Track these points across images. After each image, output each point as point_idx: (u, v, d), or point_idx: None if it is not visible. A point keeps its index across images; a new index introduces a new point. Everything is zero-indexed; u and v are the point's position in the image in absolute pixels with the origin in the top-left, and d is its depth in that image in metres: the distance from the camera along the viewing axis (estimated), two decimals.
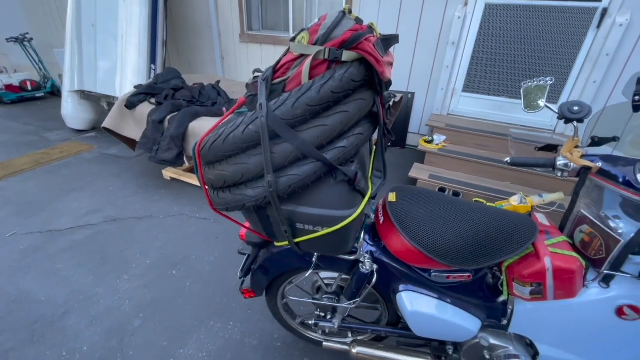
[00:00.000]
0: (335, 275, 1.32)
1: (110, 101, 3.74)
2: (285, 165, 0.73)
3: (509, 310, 1.09)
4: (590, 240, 1.00)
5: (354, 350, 1.27)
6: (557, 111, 1.04)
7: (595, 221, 0.99)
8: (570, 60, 2.78)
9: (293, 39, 0.80)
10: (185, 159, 2.95)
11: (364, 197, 0.84)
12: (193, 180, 2.85)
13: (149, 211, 2.53)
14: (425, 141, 3.02)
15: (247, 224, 0.99)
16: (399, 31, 3.26)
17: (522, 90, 1.13)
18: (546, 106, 1.09)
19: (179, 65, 4.74)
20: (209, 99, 2.96)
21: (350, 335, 1.46)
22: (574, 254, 0.96)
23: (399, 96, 2.83)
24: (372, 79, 0.75)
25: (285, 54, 0.81)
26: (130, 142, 2.99)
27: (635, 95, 0.94)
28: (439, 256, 0.94)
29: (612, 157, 0.98)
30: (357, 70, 0.71)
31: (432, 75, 3.33)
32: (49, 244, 2.16)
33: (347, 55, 0.70)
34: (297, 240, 0.89)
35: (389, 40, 0.76)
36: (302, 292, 1.43)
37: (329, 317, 1.33)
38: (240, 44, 4.25)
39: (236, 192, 0.79)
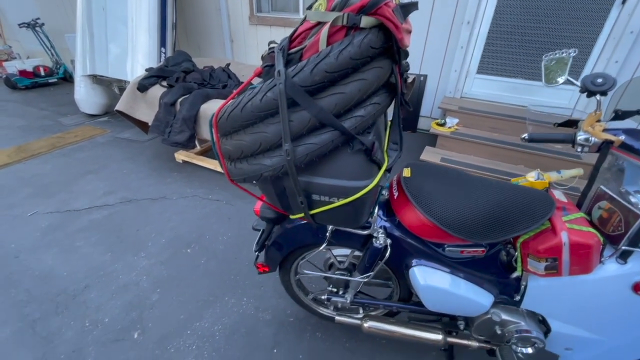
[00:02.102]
0: (348, 252, 1.34)
1: (122, 85, 3.76)
2: (302, 134, 0.73)
3: (522, 286, 1.09)
4: (609, 216, 0.99)
5: (365, 325, 1.29)
6: (579, 84, 1.01)
7: (615, 197, 0.97)
8: (592, 38, 2.67)
9: (310, 7, 0.79)
10: (197, 141, 2.98)
11: (380, 168, 0.84)
12: (205, 163, 2.88)
13: (163, 193, 2.58)
14: (438, 124, 2.97)
15: (263, 197, 1.00)
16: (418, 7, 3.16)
17: (542, 64, 1.10)
18: (568, 79, 1.05)
19: (188, 49, 4.71)
20: (220, 82, 2.96)
21: (361, 311, 1.49)
22: (592, 230, 0.95)
23: (411, 77, 2.78)
24: (391, 47, 0.74)
25: (301, 24, 0.80)
26: (143, 125, 3.03)
27: None
28: (454, 230, 0.94)
29: (636, 131, 0.95)
30: (376, 37, 0.70)
31: (446, 56, 3.25)
32: (68, 223, 2.23)
33: (365, 20, 0.69)
34: (312, 212, 0.90)
35: (408, 7, 0.74)
36: (315, 268, 1.45)
37: (341, 292, 1.35)
38: (249, 27, 4.20)
39: (253, 162, 0.79)
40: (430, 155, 2.81)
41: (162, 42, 3.67)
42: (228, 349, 1.47)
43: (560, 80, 1.07)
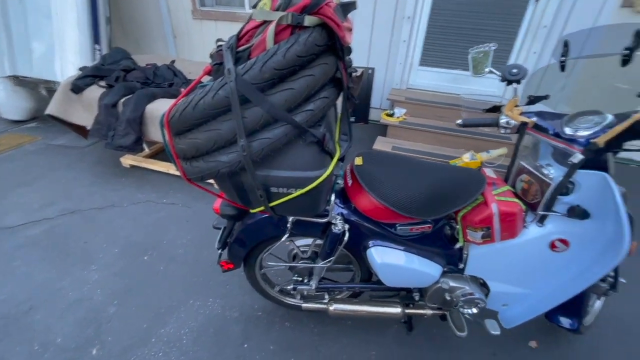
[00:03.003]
0: (310, 241, 1.39)
1: (50, 87, 3.41)
2: (256, 129, 0.76)
3: (465, 255, 1.24)
4: (529, 187, 1.16)
5: (331, 308, 1.37)
6: (499, 74, 1.16)
7: (532, 170, 1.13)
8: (514, 32, 2.99)
9: (255, 6, 0.81)
10: (145, 144, 2.82)
11: (332, 158, 0.89)
12: (156, 165, 2.74)
13: (110, 201, 2.42)
14: (387, 115, 3.14)
15: (222, 194, 1.01)
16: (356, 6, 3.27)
17: (469, 57, 1.24)
18: (491, 70, 1.20)
19: (126, 46, 4.37)
20: (165, 80, 2.82)
21: (327, 297, 1.56)
22: (516, 200, 1.11)
23: (360, 71, 2.89)
24: (334, 44, 0.79)
25: (247, 22, 0.82)
26: (81, 130, 2.79)
27: (561, 56, 1.07)
28: (403, 210, 1.03)
29: (544, 113, 1.12)
30: (320, 35, 0.74)
31: (391, 50, 3.41)
32: (0, 242, 2.00)
33: (309, 20, 0.73)
34: (272, 204, 0.93)
35: (347, 6, 0.80)
36: (280, 260, 1.49)
37: (306, 280, 1.41)
38: (193, 22, 4.02)
39: (209, 159, 0.81)
40: (382, 144, 2.96)
41: (96, 39, 3.38)
42: (197, 351, 1.46)
43: (485, 71, 1.21)
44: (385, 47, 3.41)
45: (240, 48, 0.80)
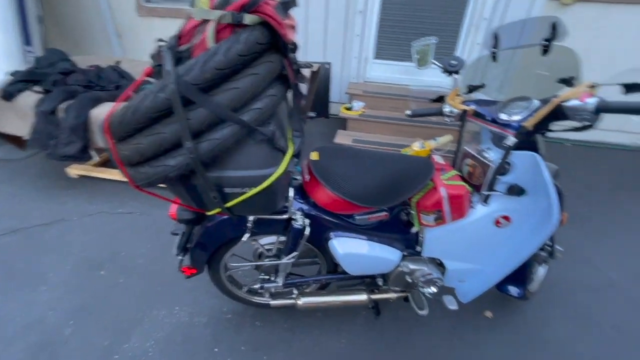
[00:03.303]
0: (274, 239, 1.40)
1: None
2: (202, 131, 0.75)
3: (421, 239, 1.31)
4: (473, 170, 1.25)
5: (299, 302, 1.39)
6: (440, 66, 1.23)
7: (475, 154, 1.22)
8: (458, 24, 3.16)
9: (192, 4, 0.79)
10: (93, 152, 2.64)
11: (285, 155, 0.90)
12: (108, 174, 2.58)
13: (59, 215, 2.24)
14: (346, 108, 3.19)
15: (177, 200, 0.99)
16: (309, 1, 3.28)
17: (412, 50, 1.30)
18: (433, 62, 1.27)
19: (64, 47, 3.99)
20: (111, 83, 2.64)
21: (295, 292, 1.58)
22: (462, 183, 1.19)
23: (315, 66, 2.91)
24: (277, 42, 0.80)
25: (186, 21, 0.80)
26: (16, 141, 2.54)
27: (492, 47, 1.16)
28: (359, 200, 1.07)
29: (483, 101, 1.21)
30: (261, 33, 0.75)
31: (345, 44, 3.46)
32: None
33: (249, 18, 0.73)
34: (228, 205, 0.92)
35: (288, 4, 0.80)
36: (245, 261, 1.48)
37: (272, 278, 1.42)
38: (139, 19, 3.80)
39: (156, 164, 0.78)
40: (342, 137, 3.02)
41: (26, 40, 3.09)
42: None
43: (428, 63, 1.28)
44: (340, 41, 3.46)
45: (181, 48, 0.78)
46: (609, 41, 3.04)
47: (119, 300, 1.67)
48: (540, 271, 1.72)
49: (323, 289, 1.57)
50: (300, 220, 1.15)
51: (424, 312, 1.35)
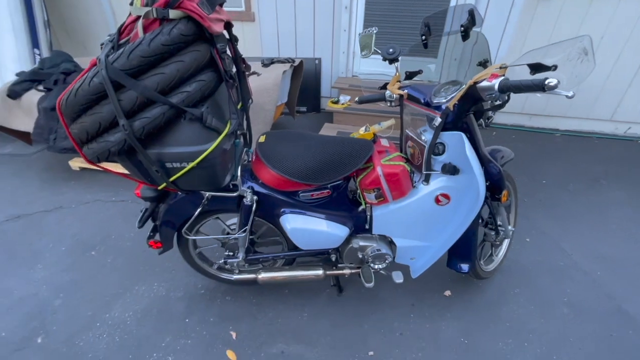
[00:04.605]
0: (237, 219, 1.52)
1: None
2: (135, 110, 0.87)
3: (368, 216, 1.40)
4: (414, 151, 1.33)
5: (259, 277, 1.50)
6: (380, 53, 1.32)
7: (414, 137, 1.31)
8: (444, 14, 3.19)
9: (131, 3, 0.92)
10: None
11: (220, 133, 1.02)
12: (105, 165, 2.76)
13: (58, 203, 2.44)
14: (332, 102, 3.29)
15: (127, 175, 1.12)
16: None
17: (358, 39, 1.39)
18: (375, 50, 1.36)
19: (72, 49, 4.30)
20: None
21: (262, 267, 1.69)
22: (401, 163, 1.28)
23: (297, 61, 3.01)
24: (204, 34, 0.91)
25: (128, 17, 0.93)
26: (26, 137, 2.77)
27: (421, 35, 1.24)
28: (297, 177, 1.18)
29: (417, 86, 1.29)
30: (185, 26, 0.86)
31: (334, 39, 3.55)
32: None
33: (173, 13, 0.85)
34: (172, 179, 1.05)
35: (213, 0, 0.92)
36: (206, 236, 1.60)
37: (235, 254, 1.54)
38: None
39: (100, 140, 0.91)
40: (328, 130, 3.12)
41: (34, 43, 3.33)
42: (140, 329, 1.56)
43: (371, 51, 1.36)
44: (329, 37, 3.55)
45: (122, 40, 0.91)
46: (593, 31, 3.01)
47: (106, 277, 1.84)
48: (500, 252, 1.78)
49: (289, 264, 1.68)
50: (249, 198, 1.26)
51: (370, 285, 1.44)
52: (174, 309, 1.66)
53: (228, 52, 1.11)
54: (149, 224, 1.41)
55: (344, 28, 3.40)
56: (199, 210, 1.28)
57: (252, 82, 2.48)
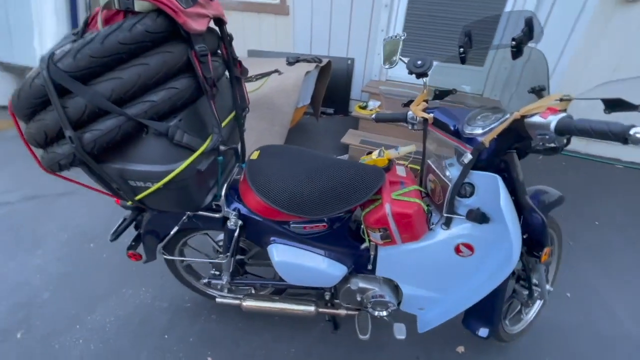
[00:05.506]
0: None
1: None
2: (84, 120, 0.72)
3: (372, 256, 1.19)
4: (435, 187, 1.09)
5: (244, 303, 1.34)
6: (405, 63, 1.09)
7: (436, 170, 1.07)
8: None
9: None
10: None
11: (194, 151, 0.85)
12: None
13: (71, 187, 2.44)
14: (360, 107, 3.05)
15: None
16: None
17: (382, 46, 1.16)
18: (401, 59, 1.12)
19: None
20: None
21: (253, 291, 1.54)
22: (417, 200, 1.04)
23: (325, 61, 2.80)
24: (179, 31, 0.74)
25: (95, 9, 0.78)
26: None
27: (459, 46, 0.99)
28: (286, 208, 0.99)
29: (446, 110, 1.04)
30: (153, 21, 0.70)
31: (370, 39, 3.30)
32: None
33: (140, 5, 0.69)
34: (138, 197, 0.91)
35: None
36: (200, 254, 1.48)
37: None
38: None
39: (50, 150, 0.78)
40: (351, 137, 2.89)
41: (75, 24, 3.39)
42: (117, 339, 1.47)
43: (394, 61, 1.13)
44: (364, 36, 3.30)
45: (87, 33, 0.76)
46: None
47: (97, 274, 1.77)
48: (531, 312, 1.48)
49: (279, 293, 1.51)
50: (233, 222, 1.10)
51: (365, 337, 1.23)
52: (156, 321, 1.55)
53: (221, 52, 0.95)
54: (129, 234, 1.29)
55: (382, 28, 3.14)
56: (176, 229, 1.13)
57: (272, 81, 2.32)
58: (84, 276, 1.76)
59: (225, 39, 0.93)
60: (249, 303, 1.34)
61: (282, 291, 1.51)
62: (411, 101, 1.18)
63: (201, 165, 0.88)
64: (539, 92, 0.84)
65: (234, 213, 1.11)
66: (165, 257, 1.28)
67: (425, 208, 1.06)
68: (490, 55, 1.08)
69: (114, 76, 0.70)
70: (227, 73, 1.00)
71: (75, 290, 1.68)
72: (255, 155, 1.11)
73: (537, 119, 0.75)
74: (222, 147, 0.94)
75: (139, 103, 0.74)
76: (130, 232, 1.32)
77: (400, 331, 1.24)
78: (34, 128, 0.79)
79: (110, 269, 1.81)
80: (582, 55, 2.70)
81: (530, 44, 0.83)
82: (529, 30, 0.81)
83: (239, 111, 1.06)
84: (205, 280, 1.38)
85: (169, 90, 0.76)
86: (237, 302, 1.36)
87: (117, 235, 1.20)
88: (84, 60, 0.66)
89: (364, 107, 3.04)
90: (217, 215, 1.11)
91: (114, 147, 0.79)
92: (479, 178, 0.95)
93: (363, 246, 1.18)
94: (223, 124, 1.00)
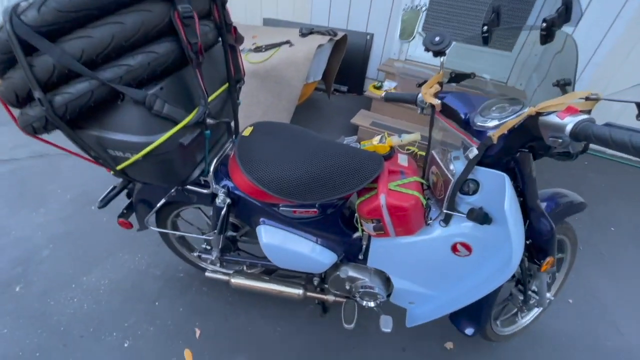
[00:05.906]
0: None
1: None
2: (54, 81, 0.67)
3: (364, 246, 1.14)
4: (437, 181, 1.01)
5: (232, 280, 1.33)
6: (423, 42, 0.98)
7: (440, 162, 0.99)
8: (529, 2, 2.58)
9: None
10: None
11: (176, 123, 0.80)
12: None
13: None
14: (374, 87, 2.91)
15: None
16: None
17: (400, 18, 1.05)
18: (419, 34, 1.01)
19: None
20: None
21: (245, 268, 1.53)
22: (415, 193, 0.97)
23: (341, 34, 2.63)
24: None
25: None
26: None
27: (483, 25, 0.88)
28: (274, 190, 0.93)
29: (461, 95, 0.94)
30: None
31: (392, 15, 3.08)
32: None
33: None
34: (119, 167, 0.87)
35: None
36: (192, 227, 1.46)
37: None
38: None
39: (24, 111, 0.74)
40: (362, 118, 2.77)
41: None
42: (109, 302, 1.50)
43: (413, 34, 1.02)
44: (386, 11, 3.08)
45: None
46: None
47: (96, 237, 1.80)
48: (527, 317, 1.43)
49: (270, 274, 1.50)
50: (221, 199, 1.06)
51: (350, 326, 1.21)
52: (148, 287, 1.58)
53: (213, 16, 0.86)
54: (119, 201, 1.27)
55: (406, 2, 2.91)
56: (162, 201, 1.10)
57: (282, 52, 2.20)
58: (83, 237, 1.79)
59: (217, 1, 0.84)
60: (237, 280, 1.33)
61: (273, 271, 1.49)
62: (426, 82, 1.07)
63: (184, 139, 0.83)
64: (563, 86, 0.73)
65: (223, 190, 1.06)
66: (152, 228, 1.26)
67: (424, 202, 0.99)
68: (521, 38, 0.95)
69: (84, 34, 0.63)
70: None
71: (73, 251, 1.71)
72: (247, 132, 1.04)
73: (552, 118, 0.65)
74: (210, 121, 0.88)
75: (113, 67, 0.68)
76: (125, 199, 1.31)
77: (386, 324, 1.22)
78: (4, 86, 0.74)
79: (109, 232, 1.83)
80: (623, 46, 2.45)
81: (565, 28, 0.71)
82: (566, 10, 0.69)
83: (232, 83, 0.99)
84: (196, 254, 1.37)
85: (148, 54, 0.70)
86: (225, 278, 1.36)
87: (105, 202, 1.18)
88: (50, 14, 0.60)
89: (379, 88, 2.90)
90: (205, 191, 1.07)
91: (91, 113, 0.74)
92: (485, 175, 0.86)
93: (355, 235, 1.13)
94: (213, 96, 0.94)
